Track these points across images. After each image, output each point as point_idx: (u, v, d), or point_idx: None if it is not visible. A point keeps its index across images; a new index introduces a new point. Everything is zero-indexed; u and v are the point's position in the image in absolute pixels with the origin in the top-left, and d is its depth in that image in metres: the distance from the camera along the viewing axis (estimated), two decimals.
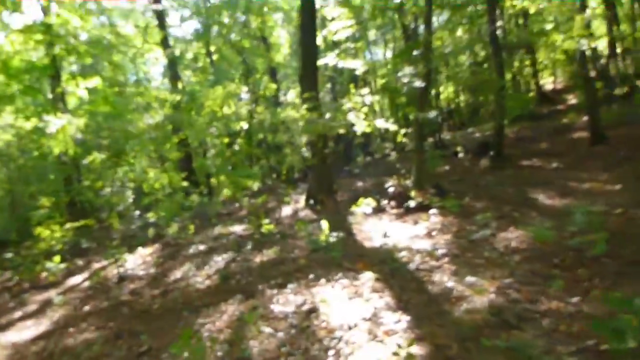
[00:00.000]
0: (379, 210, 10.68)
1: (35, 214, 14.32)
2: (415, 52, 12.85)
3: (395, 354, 4.12)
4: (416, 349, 4.18)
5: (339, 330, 4.81)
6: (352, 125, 9.97)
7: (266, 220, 9.40)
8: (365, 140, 26.23)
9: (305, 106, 11.06)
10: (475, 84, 19.32)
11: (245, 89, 18.07)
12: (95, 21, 22.99)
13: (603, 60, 21.91)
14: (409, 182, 10.86)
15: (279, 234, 10.44)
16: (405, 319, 4.83)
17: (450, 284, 5.60)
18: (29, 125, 15.82)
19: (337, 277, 6.38)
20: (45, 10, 18.55)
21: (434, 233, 8.11)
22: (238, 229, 11.83)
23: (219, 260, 8.91)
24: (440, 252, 6.75)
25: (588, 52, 15.45)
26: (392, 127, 10.62)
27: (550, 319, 4.40)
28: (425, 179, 10.78)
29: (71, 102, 23.26)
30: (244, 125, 16.40)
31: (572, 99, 23.84)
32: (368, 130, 10.18)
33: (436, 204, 9.54)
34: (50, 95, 21.12)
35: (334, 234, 8.10)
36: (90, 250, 13.23)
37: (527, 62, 24.77)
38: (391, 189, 10.92)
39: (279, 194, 16.32)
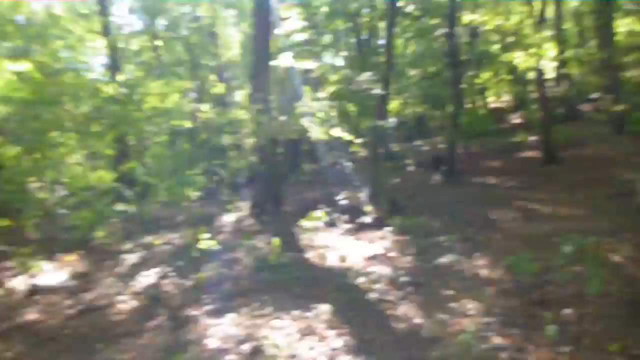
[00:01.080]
0: (330, 224, 9.88)
1: None
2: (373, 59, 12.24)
3: None
4: None
5: None
6: (306, 130, 9.16)
7: (206, 235, 8.41)
8: (312, 147, 25.43)
9: (255, 107, 10.14)
10: (432, 97, 18.94)
11: (191, 86, 16.89)
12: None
13: (548, 83, 22.20)
14: (362, 195, 10.14)
15: (220, 246, 9.47)
16: None
17: (418, 320, 4.84)
18: None
19: (286, 305, 5.49)
20: None
21: (392, 254, 7.38)
22: (175, 237, 10.73)
23: (149, 275, 7.83)
24: (402, 279, 6.00)
25: (531, 74, 15.39)
26: (347, 136, 9.87)
27: None
28: (380, 193, 10.09)
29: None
30: (187, 124, 15.25)
31: (515, 119, 24.05)
32: (324, 137, 9.40)
33: (393, 221, 8.84)
34: None
35: (283, 252, 7.21)
36: (5, 254, 11.69)
37: (478, 79, 24.80)
38: (343, 202, 10.16)
39: (221, 201, 15.25)
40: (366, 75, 9.99)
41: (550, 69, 21.12)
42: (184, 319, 5.57)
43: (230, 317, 5.36)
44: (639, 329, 4.19)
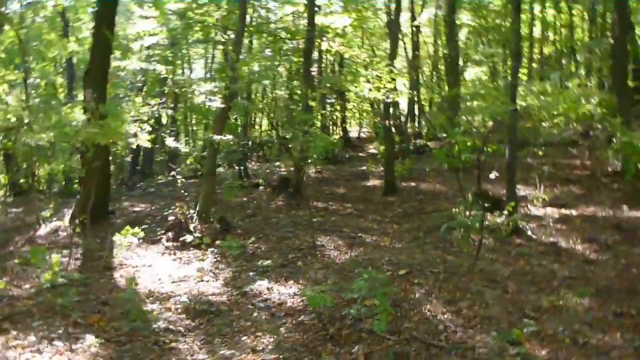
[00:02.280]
0: (153, 241, 9.11)
1: None
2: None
3: None
4: None
5: None
6: (131, 136, 8.37)
7: None
8: (171, 158, 24.19)
9: (79, 107, 9.12)
10: (288, 119, 18.82)
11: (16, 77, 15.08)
12: None
13: (402, 118, 23.47)
14: (192, 211, 9.50)
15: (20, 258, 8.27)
16: None
17: (200, 355, 4.36)
18: None
19: (54, 335, 4.70)
20: None
21: (206, 278, 6.85)
22: None
23: None
24: (201, 307, 5.49)
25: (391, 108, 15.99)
26: (183, 148, 9.24)
27: None
28: (210, 210, 9.53)
29: None
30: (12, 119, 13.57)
31: (372, 149, 24.97)
32: (148, 144, 8.67)
33: (217, 242, 8.32)
34: None
35: (75, 269, 6.34)
36: None
37: (337, 107, 25.44)
38: (171, 217, 9.44)
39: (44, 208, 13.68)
40: (208, 86, 9.48)
41: (400, 104, 22.34)
42: None
43: None
44: None
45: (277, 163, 24.11)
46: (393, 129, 16.53)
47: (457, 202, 10.81)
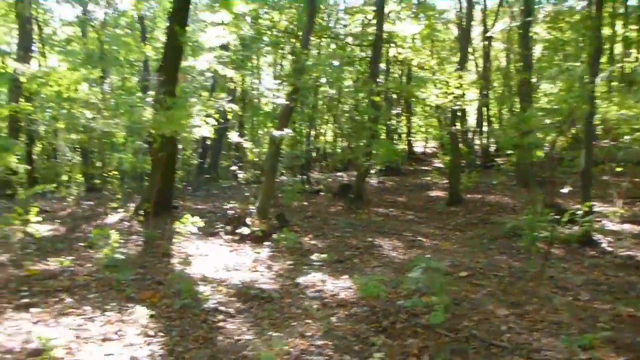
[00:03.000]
0: (212, 233, 9.18)
1: None
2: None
3: None
4: None
5: None
6: (196, 127, 8.49)
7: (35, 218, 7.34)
8: (237, 162, 24.57)
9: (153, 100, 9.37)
10: (352, 129, 18.67)
11: (97, 75, 15.80)
12: None
13: (470, 134, 22.82)
14: (252, 207, 9.52)
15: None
16: None
17: (247, 336, 4.24)
18: None
19: (107, 306, 4.74)
20: None
21: (260, 268, 6.78)
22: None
23: None
24: (253, 292, 5.40)
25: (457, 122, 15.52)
26: (247, 144, 9.29)
27: None
28: (269, 206, 9.51)
29: None
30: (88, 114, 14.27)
31: (437, 162, 24.39)
32: (211, 135, 8.75)
33: (275, 236, 8.27)
34: None
35: (126, 250, 6.42)
36: None
37: (404, 119, 25.05)
38: (231, 211, 9.50)
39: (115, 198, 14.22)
40: (272, 83, 9.52)
41: (469, 119, 21.65)
42: None
43: (34, 311, 4.55)
44: None
45: (340, 173, 24.04)
46: (460, 141, 16.05)
47: (526, 212, 10.28)
